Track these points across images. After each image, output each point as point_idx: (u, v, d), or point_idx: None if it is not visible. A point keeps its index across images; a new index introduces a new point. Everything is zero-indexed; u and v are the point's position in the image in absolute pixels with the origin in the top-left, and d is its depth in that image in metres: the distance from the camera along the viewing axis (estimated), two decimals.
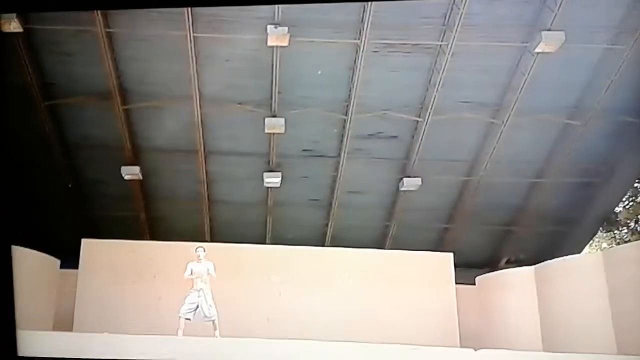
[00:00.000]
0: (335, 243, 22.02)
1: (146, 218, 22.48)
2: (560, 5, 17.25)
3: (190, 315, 14.26)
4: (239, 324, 16.02)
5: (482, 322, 18.08)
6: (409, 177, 21.25)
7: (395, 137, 20.90)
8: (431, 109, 19.63)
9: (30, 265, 16.25)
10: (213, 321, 14.33)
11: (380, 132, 20.73)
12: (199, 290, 14.37)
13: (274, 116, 19.60)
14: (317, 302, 17.42)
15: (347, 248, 18.50)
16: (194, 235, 21.03)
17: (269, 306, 17.29)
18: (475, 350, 12.57)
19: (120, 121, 19.77)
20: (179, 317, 14.20)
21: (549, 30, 17.61)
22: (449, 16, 18.00)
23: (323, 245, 22.30)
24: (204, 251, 14.68)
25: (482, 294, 18.46)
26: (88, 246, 17.52)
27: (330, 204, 22.28)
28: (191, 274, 14.48)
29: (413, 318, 17.48)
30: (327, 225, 22.79)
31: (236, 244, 18.04)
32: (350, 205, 22.26)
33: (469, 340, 17.08)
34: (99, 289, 17.09)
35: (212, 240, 21.73)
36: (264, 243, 22.25)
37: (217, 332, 14.26)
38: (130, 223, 22.21)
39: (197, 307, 14.28)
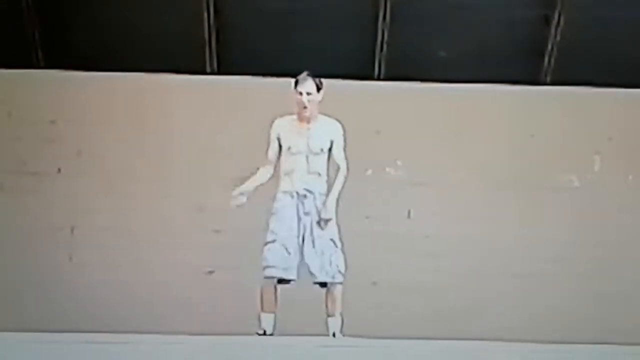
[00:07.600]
0: None
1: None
2: None
3: (280, 273, 5.17)
4: None
5: None
6: None
7: None
8: None
9: None
10: (328, 290, 5.26)
11: None
12: (298, 197, 5.25)
13: None
14: None
15: None
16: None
17: None
18: None
19: None
20: (266, 277, 5.22)
21: None
22: None
23: None
24: (314, 86, 5.27)
25: None
26: None
27: None
28: (279, 151, 5.38)
29: None
30: None
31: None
32: None
33: None
34: None
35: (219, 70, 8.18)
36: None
37: (335, 323, 5.26)
38: None
39: (301, 243, 5.24)
